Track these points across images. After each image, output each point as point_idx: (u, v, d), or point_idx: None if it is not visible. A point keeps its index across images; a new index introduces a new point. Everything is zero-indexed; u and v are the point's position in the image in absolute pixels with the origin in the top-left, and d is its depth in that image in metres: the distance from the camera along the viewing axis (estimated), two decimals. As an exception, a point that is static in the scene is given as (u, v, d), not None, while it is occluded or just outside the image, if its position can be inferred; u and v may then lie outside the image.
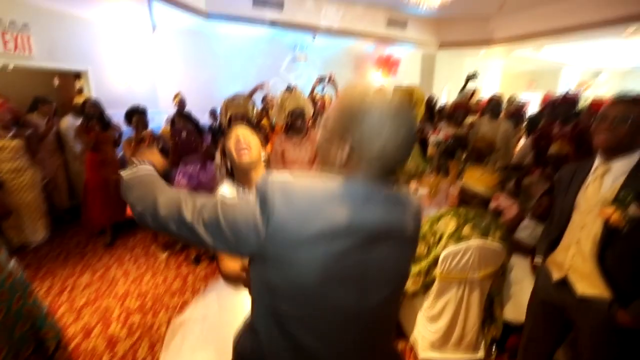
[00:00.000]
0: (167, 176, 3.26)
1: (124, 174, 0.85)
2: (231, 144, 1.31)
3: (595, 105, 2.74)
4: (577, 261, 1.35)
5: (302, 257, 0.65)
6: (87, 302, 2.60)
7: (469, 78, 5.31)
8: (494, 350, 2.09)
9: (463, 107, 4.37)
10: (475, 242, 1.77)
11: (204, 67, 5.84)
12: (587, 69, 11.94)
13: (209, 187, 3.12)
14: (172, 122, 3.14)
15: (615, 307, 1.25)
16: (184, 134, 2.84)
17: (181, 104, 4.41)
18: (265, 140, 2.78)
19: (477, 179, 1.95)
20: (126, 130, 3.58)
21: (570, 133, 3.27)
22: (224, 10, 5.07)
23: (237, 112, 2.73)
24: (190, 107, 4.47)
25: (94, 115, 3.29)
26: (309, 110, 2.85)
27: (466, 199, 1.98)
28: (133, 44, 4.91)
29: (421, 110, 2.43)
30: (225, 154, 1.36)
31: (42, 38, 3.76)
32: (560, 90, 10.98)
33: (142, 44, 5.04)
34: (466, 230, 1.82)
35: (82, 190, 3.53)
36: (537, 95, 9.05)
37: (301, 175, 0.69)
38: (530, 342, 1.62)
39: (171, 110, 4.61)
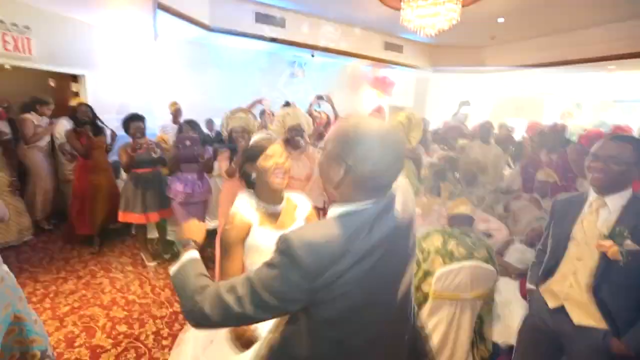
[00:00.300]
0: (165, 183, 3.25)
1: (171, 270, 0.90)
2: (267, 164, 1.27)
3: (584, 138, 2.89)
4: (573, 291, 1.39)
5: (344, 286, 0.75)
6: (72, 309, 2.52)
7: (462, 104, 5.51)
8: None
9: (456, 130, 4.53)
10: (469, 262, 1.82)
11: (203, 77, 5.89)
12: (570, 100, 12.55)
13: (203, 199, 3.12)
14: (180, 128, 3.16)
15: (609, 337, 1.30)
16: (187, 142, 2.86)
17: (177, 113, 4.45)
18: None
19: (455, 206, 2.09)
20: (121, 136, 3.56)
21: (557, 162, 3.42)
22: (227, 25, 5.18)
23: (238, 125, 2.77)
24: (186, 116, 4.50)
25: (86, 120, 3.26)
26: (308, 127, 2.92)
27: (451, 224, 2.10)
28: (133, 51, 4.93)
29: (418, 134, 2.51)
30: (242, 164, 1.35)
31: (42, 40, 3.76)
32: (544, 118, 11.50)
33: (143, 51, 5.07)
34: (452, 245, 1.87)
35: (71, 196, 3.47)
36: (523, 122, 9.46)
37: (314, 225, 0.84)
38: None
39: (167, 119, 4.64)
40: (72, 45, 4.16)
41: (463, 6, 4.50)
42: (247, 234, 1.26)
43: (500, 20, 5.56)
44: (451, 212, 2.10)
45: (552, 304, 1.47)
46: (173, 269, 0.90)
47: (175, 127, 4.57)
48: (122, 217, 3.10)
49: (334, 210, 0.80)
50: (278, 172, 1.26)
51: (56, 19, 3.91)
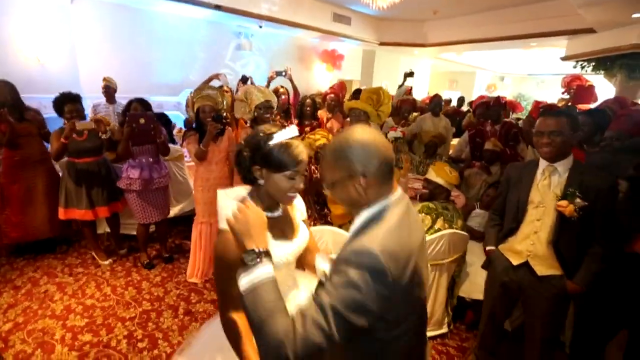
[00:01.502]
0: (113, 172, 2.87)
1: (240, 284, 0.75)
2: (287, 185, 1.02)
3: (533, 111, 3.24)
4: (535, 248, 1.60)
5: (408, 284, 0.78)
6: (15, 326, 2.17)
7: (406, 75, 5.70)
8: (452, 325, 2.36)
9: (409, 103, 4.71)
10: (447, 232, 1.96)
11: (137, 48, 5.19)
12: (495, 74, 13.87)
13: (164, 184, 2.84)
14: (128, 106, 2.71)
15: (564, 280, 1.55)
16: (142, 120, 2.46)
17: (108, 90, 3.88)
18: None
19: (437, 173, 2.21)
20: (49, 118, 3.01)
21: (499, 131, 3.78)
22: (162, -14, 4.56)
23: (206, 104, 2.52)
24: (121, 93, 3.97)
25: (4, 102, 2.62)
26: (274, 104, 2.77)
27: (430, 188, 2.22)
28: (47, 15, 4.12)
29: (387, 108, 2.55)
30: (250, 162, 1.04)
31: None
32: (475, 90, 12.60)
33: (58, 15, 4.26)
34: (439, 223, 2.01)
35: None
36: (457, 94, 10.28)
37: (381, 230, 0.78)
38: (490, 316, 1.88)
39: (97, 96, 4.03)
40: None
41: (413, -21, 4.56)
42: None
43: (444, -6, 5.76)
44: (433, 179, 2.20)
45: (515, 261, 1.67)
46: (245, 284, 0.75)
47: (110, 107, 4.01)
48: (63, 214, 2.69)
49: (371, 210, 0.83)
50: (294, 194, 1.07)
51: None
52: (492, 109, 3.96)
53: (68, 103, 2.55)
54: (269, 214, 1.07)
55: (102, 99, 3.97)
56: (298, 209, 1.22)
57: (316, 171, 2.74)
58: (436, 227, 1.99)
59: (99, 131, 2.59)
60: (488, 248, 1.82)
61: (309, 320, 0.70)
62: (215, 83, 3.15)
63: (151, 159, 2.73)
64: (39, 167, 2.79)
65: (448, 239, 1.97)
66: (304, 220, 1.23)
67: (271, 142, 0.98)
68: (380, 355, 0.82)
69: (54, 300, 2.44)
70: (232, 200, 1.04)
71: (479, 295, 2.27)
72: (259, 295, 0.73)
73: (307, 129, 3.30)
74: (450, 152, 4.61)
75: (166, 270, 2.92)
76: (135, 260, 3.02)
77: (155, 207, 2.80)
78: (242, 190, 1.12)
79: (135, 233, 3.33)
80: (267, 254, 0.80)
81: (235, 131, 2.95)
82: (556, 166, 1.55)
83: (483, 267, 1.87)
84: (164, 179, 2.81)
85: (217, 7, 5.08)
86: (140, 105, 2.70)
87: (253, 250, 0.78)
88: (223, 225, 0.97)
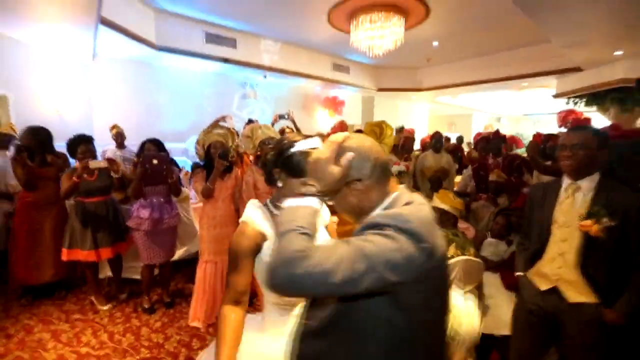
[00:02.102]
0: (118, 212, 2.87)
1: (285, 203, 0.78)
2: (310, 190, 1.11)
3: (536, 137, 3.31)
4: (563, 272, 1.50)
5: (443, 259, 0.79)
6: (4, 377, 2.02)
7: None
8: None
9: (411, 140, 4.82)
10: (461, 258, 1.88)
11: (147, 98, 5.52)
12: (491, 115, 14.38)
13: (172, 224, 2.81)
14: (142, 146, 2.79)
15: (601, 309, 1.41)
16: (155, 161, 2.53)
17: (119, 137, 4.04)
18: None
19: (441, 199, 2.18)
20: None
21: (502, 163, 3.81)
22: (176, 44, 4.97)
23: (217, 140, 2.60)
24: (130, 141, 4.13)
25: (28, 146, 2.71)
26: None
27: (436, 216, 2.17)
28: (68, 71, 4.45)
29: (390, 141, 2.61)
30: (274, 165, 1.14)
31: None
32: (473, 131, 12.96)
33: (79, 71, 4.60)
34: (451, 250, 1.94)
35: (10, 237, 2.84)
36: (455, 135, 10.56)
37: (413, 208, 0.80)
38: (518, 351, 1.71)
39: (108, 143, 4.19)
40: (-6, 64, 3.61)
41: (405, 29, 4.95)
42: (259, 246, 1.12)
43: (435, 44, 6.20)
44: (438, 205, 2.17)
45: (543, 286, 1.56)
46: (289, 203, 0.77)
47: (119, 153, 4.15)
48: (67, 255, 2.64)
49: (383, 205, 0.83)
50: None
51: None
52: (492, 142, 4.03)
53: (81, 144, 2.64)
54: None
55: (112, 145, 4.12)
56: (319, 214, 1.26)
57: None
58: (450, 253, 1.91)
59: (111, 170, 2.64)
60: (517, 274, 1.72)
61: (333, 249, 0.67)
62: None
63: (162, 199, 2.75)
64: (50, 209, 2.80)
65: (462, 267, 1.87)
66: (326, 226, 1.26)
67: (292, 149, 1.07)
68: (401, 335, 0.77)
69: (47, 349, 2.29)
70: (248, 210, 1.15)
71: (504, 330, 2.12)
72: (298, 211, 0.74)
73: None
74: (455, 188, 4.61)
75: (167, 315, 2.77)
76: (136, 306, 2.89)
77: (161, 248, 2.75)
78: (253, 208, 1.17)
79: (137, 277, 3.25)
80: (323, 195, 0.79)
81: (241, 168, 3.00)
82: (579, 184, 1.49)
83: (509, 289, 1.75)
84: (173, 219, 2.80)
85: (225, 60, 5.49)
86: (153, 145, 2.77)
87: (314, 186, 0.78)
88: (242, 218, 1.12)
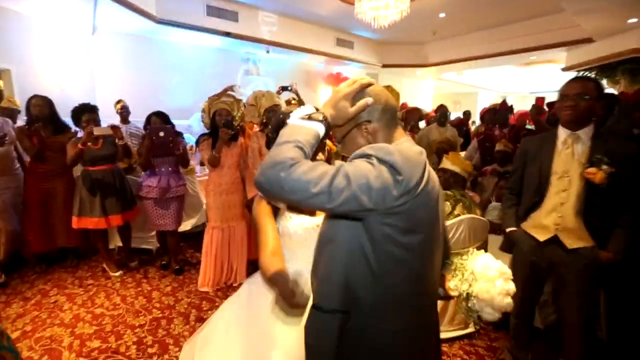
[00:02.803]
0: (126, 180, 2.91)
1: (289, 120, 0.82)
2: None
3: (538, 100, 3.26)
4: (564, 220, 1.52)
5: (425, 201, 0.78)
6: (23, 334, 2.10)
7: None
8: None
9: (415, 112, 4.76)
10: (466, 216, 1.89)
11: (149, 74, 5.44)
12: (497, 93, 14.10)
13: (179, 193, 2.85)
14: (148, 119, 2.80)
15: (596, 251, 1.47)
16: (161, 133, 2.56)
17: (124, 111, 4.03)
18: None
19: (452, 161, 2.17)
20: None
21: (508, 134, 3.77)
22: (176, 17, 4.86)
23: (222, 108, 2.59)
24: (136, 117, 4.11)
25: (41, 116, 2.72)
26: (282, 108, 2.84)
27: (445, 177, 2.17)
28: (69, 44, 4.39)
29: (397, 105, 2.59)
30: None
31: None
32: (478, 109, 12.76)
33: (80, 44, 4.54)
34: (458, 209, 1.95)
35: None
36: (459, 114, 10.41)
37: (402, 144, 0.83)
38: (523, 300, 1.73)
39: (110, 119, 4.18)
40: (-4, 36, 3.57)
41: (411, 0, 4.80)
42: (276, 213, 1.20)
43: (442, 15, 6.02)
44: (449, 167, 2.16)
45: (542, 236, 1.59)
46: (292, 120, 0.81)
47: (123, 127, 4.14)
48: (77, 223, 2.69)
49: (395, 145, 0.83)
50: None
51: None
52: (500, 113, 3.98)
53: (86, 113, 2.65)
54: None
55: (116, 120, 4.11)
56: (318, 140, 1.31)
57: None
58: (455, 212, 1.93)
59: (115, 138, 2.65)
60: (508, 230, 1.74)
61: (319, 166, 0.71)
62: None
63: (170, 169, 2.79)
64: (60, 179, 2.84)
65: (468, 225, 1.90)
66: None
67: (289, 120, 1.06)
68: (379, 258, 0.79)
69: (63, 310, 2.38)
70: None
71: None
72: (298, 128, 0.78)
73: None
74: (460, 160, 4.59)
75: (177, 280, 2.84)
76: (146, 272, 2.97)
77: (169, 216, 2.81)
78: None
79: (145, 247, 3.33)
80: (328, 123, 0.82)
81: (245, 139, 2.99)
82: (579, 134, 1.50)
83: (501, 249, 1.78)
84: (181, 188, 2.84)
85: (227, 34, 5.38)
86: (159, 118, 2.78)
87: (322, 113, 0.81)
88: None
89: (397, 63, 8.25)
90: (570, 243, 1.50)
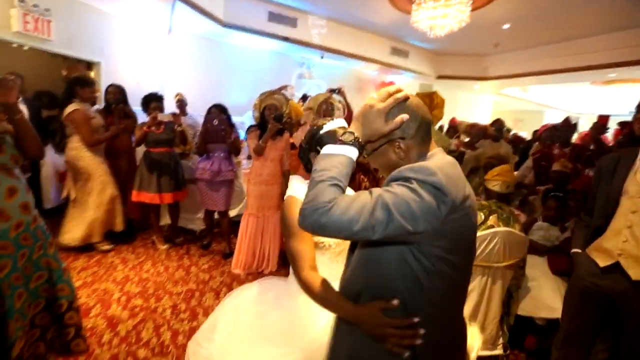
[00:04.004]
0: (179, 165, 3.22)
1: (323, 150, 0.79)
2: None
3: (602, 118, 2.98)
4: (629, 245, 1.36)
5: (468, 215, 0.78)
6: (84, 284, 2.44)
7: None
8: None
9: (479, 128, 4.56)
10: (502, 229, 1.80)
11: (212, 72, 5.93)
12: (567, 113, 12.83)
13: (229, 178, 3.09)
14: (209, 111, 3.14)
15: None
16: (215, 121, 2.85)
17: (181, 103, 4.45)
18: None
19: (493, 177, 2.06)
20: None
21: (570, 153, 3.46)
22: (241, 21, 5.27)
23: (272, 103, 2.79)
24: (192, 109, 4.52)
25: (113, 102, 3.20)
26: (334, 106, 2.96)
27: (487, 195, 2.07)
28: (147, 43, 4.98)
29: (441, 113, 2.54)
30: (308, 150, 1.21)
31: (62, 24, 3.78)
32: (543, 131, 11.73)
33: (156, 43, 5.13)
34: (492, 220, 1.86)
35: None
36: (522, 134, 9.62)
37: (440, 160, 0.80)
38: (570, 334, 1.57)
39: (175, 109, 4.63)
40: (90, 32, 4.18)
41: (472, 10, 4.65)
42: None
43: (506, 26, 5.72)
44: (490, 186, 2.05)
45: (603, 262, 1.42)
46: (326, 150, 0.78)
47: (182, 118, 4.57)
48: (136, 196, 3.04)
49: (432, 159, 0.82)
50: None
51: (76, 4, 3.95)
52: (561, 130, 3.67)
53: (153, 101, 3.01)
54: None
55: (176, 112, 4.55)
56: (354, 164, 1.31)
57: (365, 180, 2.77)
58: (489, 223, 1.84)
59: (175, 124, 2.98)
60: (573, 251, 1.58)
61: (356, 200, 0.70)
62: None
63: (222, 155, 3.05)
64: (124, 157, 3.27)
65: (503, 239, 1.80)
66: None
67: (321, 131, 1.16)
68: (422, 277, 0.78)
69: (116, 270, 2.70)
70: (294, 186, 1.24)
71: (543, 312, 2.00)
72: (331, 159, 0.75)
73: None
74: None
75: (214, 260, 3.07)
76: (188, 249, 3.24)
77: (218, 198, 3.08)
78: (299, 185, 1.26)
79: (190, 227, 3.64)
80: (360, 144, 0.79)
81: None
82: None
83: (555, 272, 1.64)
84: (230, 173, 3.09)
85: (285, 39, 5.68)
86: (216, 109, 3.09)
87: (353, 133, 0.78)
88: (290, 193, 1.22)
89: (454, 75, 7.96)
90: (634, 273, 1.33)
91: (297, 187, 1.23)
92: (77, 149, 2.82)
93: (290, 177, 1.32)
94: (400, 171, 0.75)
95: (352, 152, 0.77)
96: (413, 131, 0.80)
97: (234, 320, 1.33)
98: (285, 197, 1.25)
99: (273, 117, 2.71)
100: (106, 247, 2.99)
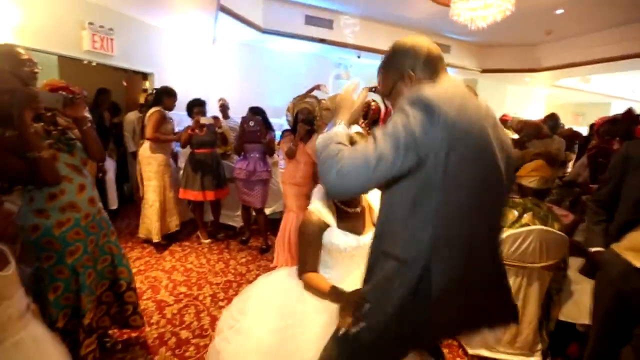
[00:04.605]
0: (220, 165, 3.45)
1: (319, 138, 0.88)
2: None
3: None
4: None
5: (473, 142, 0.78)
6: (138, 271, 2.74)
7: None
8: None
9: (533, 126, 4.29)
10: (537, 227, 1.71)
11: (253, 77, 6.24)
12: (638, 104, 11.38)
13: (264, 177, 3.25)
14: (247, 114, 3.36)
15: None
16: (251, 122, 3.04)
17: (223, 107, 4.74)
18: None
19: (528, 172, 1.93)
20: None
21: (631, 148, 3.12)
22: (279, 26, 5.49)
23: (304, 107, 2.89)
24: (234, 113, 4.79)
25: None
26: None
27: (522, 193, 1.96)
28: (194, 53, 5.39)
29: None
30: None
31: (121, 41, 4.25)
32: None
33: (202, 53, 5.52)
34: (527, 218, 1.77)
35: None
36: (583, 129, 8.69)
37: (437, 85, 0.84)
38: (600, 339, 1.49)
39: (219, 113, 4.95)
40: (144, 46, 4.65)
41: (517, -3, 4.36)
42: (323, 232, 1.29)
43: (559, 11, 5.27)
44: (525, 183, 1.94)
45: (639, 262, 1.31)
46: (320, 140, 0.87)
47: (224, 121, 4.86)
48: (182, 194, 3.33)
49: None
50: None
51: (133, 21, 4.41)
52: (621, 123, 3.31)
53: (197, 106, 3.28)
54: (346, 208, 1.31)
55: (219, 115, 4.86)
56: (375, 210, 1.35)
57: None
58: (523, 221, 1.75)
59: (216, 126, 3.21)
60: (593, 249, 1.50)
61: (358, 146, 0.78)
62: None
63: (257, 155, 3.24)
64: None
65: (539, 237, 1.70)
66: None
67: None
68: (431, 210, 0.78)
69: (165, 260, 3.00)
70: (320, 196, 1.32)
71: (585, 319, 1.85)
72: (331, 135, 0.85)
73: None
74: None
75: (251, 255, 3.25)
76: (228, 244, 3.47)
77: (254, 195, 3.25)
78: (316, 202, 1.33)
79: (231, 223, 3.87)
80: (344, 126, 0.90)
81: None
82: None
83: (581, 272, 1.54)
84: (265, 173, 3.26)
85: (322, 41, 5.80)
86: (252, 112, 3.28)
87: (340, 119, 0.91)
88: (311, 208, 1.30)
89: (500, 68, 7.49)
90: None
91: (317, 204, 1.30)
92: (147, 149, 3.18)
93: (314, 190, 1.38)
94: (413, 95, 0.78)
95: (343, 129, 0.88)
96: (422, 63, 0.87)
97: (263, 297, 1.36)
98: (309, 206, 1.33)
99: (302, 120, 2.79)
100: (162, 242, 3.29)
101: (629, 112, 3.38)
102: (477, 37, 6.75)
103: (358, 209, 1.34)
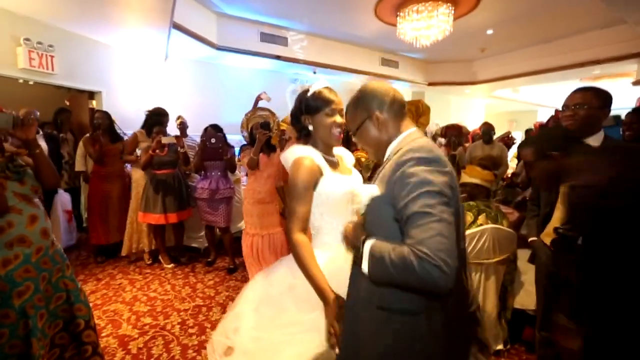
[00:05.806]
0: (184, 185, 3.33)
1: (363, 269, 0.86)
2: (330, 120, 1.25)
3: (558, 113, 3.13)
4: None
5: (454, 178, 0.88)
6: (94, 306, 2.51)
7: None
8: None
9: (454, 129, 4.70)
10: (489, 226, 1.89)
11: (209, 94, 6.12)
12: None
13: (227, 195, 3.19)
14: (205, 130, 3.29)
15: None
16: (213, 140, 2.97)
17: (182, 126, 4.61)
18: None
19: (469, 174, 2.15)
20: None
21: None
22: (234, 44, 5.49)
23: (258, 121, 2.89)
24: (190, 131, 4.66)
25: (101, 125, 3.32)
26: None
27: (467, 191, 2.15)
28: (145, 70, 5.19)
29: (427, 120, 2.65)
30: (298, 114, 1.32)
31: (64, 58, 3.97)
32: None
33: (154, 70, 5.33)
34: (481, 219, 1.96)
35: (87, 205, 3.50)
36: (517, 134, 9.74)
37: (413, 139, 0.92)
38: (545, 314, 1.67)
39: (176, 131, 4.79)
40: (90, 64, 4.38)
41: (454, 19, 4.85)
42: (317, 180, 1.22)
43: (490, 32, 5.92)
44: (468, 180, 2.13)
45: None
46: (364, 266, 0.85)
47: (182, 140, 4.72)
48: (142, 217, 3.15)
49: (397, 140, 0.96)
50: (337, 129, 1.26)
51: (77, 39, 4.15)
52: (547, 127, 3.78)
53: (155, 125, 3.15)
54: (327, 157, 1.29)
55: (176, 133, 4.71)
56: (347, 159, 1.44)
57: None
58: (478, 222, 1.93)
59: (178, 145, 3.11)
60: (530, 240, 1.74)
61: (421, 229, 0.75)
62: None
63: (219, 173, 3.18)
64: (116, 182, 3.40)
65: (492, 235, 1.89)
66: (354, 166, 1.46)
67: (308, 94, 1.29)
68: None
69: (125, 291, 2.79)
70: (297, 151, 1.26)
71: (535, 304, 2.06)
72: (376, 257, 0.82)
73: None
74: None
75: (219, 276, 3.14)
76: (193, 267, 3.32)
77: (218, 214, 3.18)
78: (303, 148, 1.28)
79: (194, 245, 3.72)
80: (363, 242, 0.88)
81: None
82: (588, 142, 1.48)
83: (529, 261, 1.75)
84: (228, 191, 3.21)
85: (277, 57, 5.89)
86: (212, 129, 3.23)
87: (358, 248, 0.89)
88: (295, 155, 1.23)
89: (444, 81, 8.17)
90: None
91: (299, 150, 1.25)
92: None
93: (287, 149, 1.32)
94: (400, 157, 0.85)
95: (367, 245, 0.87)
96: (387, 105, 0.96)
97: (254, 308, 1.30)
98: (291, 160, 1.25)
99: (260, 125, 2.72)
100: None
101: (555, 117, 3.88)
102: (423, 54, 7.32)
103: (335, 158, 1.34)
